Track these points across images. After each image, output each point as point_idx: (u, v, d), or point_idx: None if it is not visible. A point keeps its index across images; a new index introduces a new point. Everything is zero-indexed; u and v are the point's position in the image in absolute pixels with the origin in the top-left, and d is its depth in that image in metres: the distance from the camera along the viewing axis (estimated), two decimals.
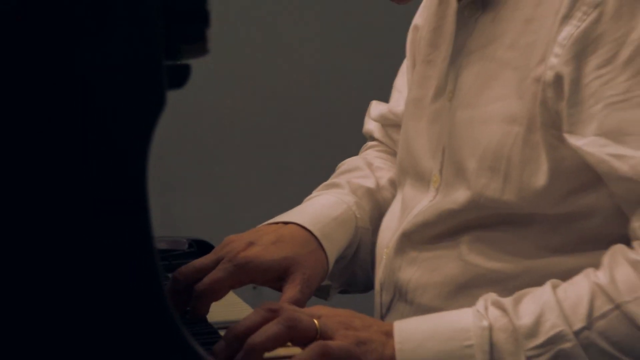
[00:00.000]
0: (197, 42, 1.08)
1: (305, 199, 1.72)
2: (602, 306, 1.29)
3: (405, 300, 1.51)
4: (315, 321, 1.29)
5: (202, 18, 1.07)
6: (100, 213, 1.06)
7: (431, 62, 1.63)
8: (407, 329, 1.33)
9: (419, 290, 1.49)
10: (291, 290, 1.50)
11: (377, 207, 1.68)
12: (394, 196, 1.67)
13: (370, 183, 1.71)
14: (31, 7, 1.09)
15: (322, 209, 1.65)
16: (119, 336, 1.05)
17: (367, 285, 1.66)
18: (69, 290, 1.05)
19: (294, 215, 1.62)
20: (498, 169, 1.41)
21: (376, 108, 1.82)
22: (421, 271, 1.49)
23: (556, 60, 1.35)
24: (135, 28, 1.06)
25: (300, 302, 1.45)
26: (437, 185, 1.51)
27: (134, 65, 1.06)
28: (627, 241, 1.34)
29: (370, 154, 1.81)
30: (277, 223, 1.61)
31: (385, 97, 1.81)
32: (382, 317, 1.55)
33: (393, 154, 1.78)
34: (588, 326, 1.28)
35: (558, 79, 1.34)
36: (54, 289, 1.05)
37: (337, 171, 1.78)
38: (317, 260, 1.57)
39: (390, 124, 1.78)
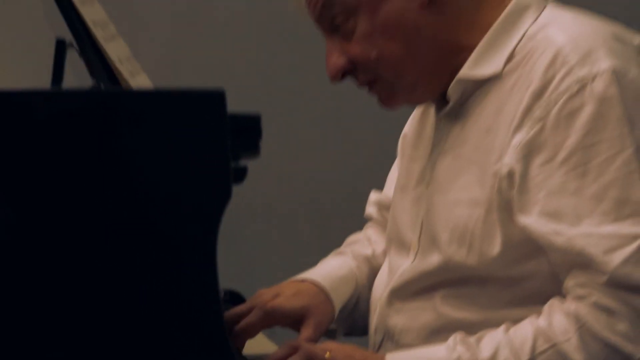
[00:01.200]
0: (253, 149, 1.36)
1: (319, 262, 1.89)
2: (542, 345, 1.49)
3: (392, 340, 1.69)
4: (327, 354, 1.52)
5: (256, 133, 1.35)
6: (183, 281, 1.33)
7: (414, 159, 1.80)
8: (398, 358, 1.58)
9: (403, 334, 1.67)
10: (307, 331, 1.70)
11: (372, 270, 1.87)
12: None
13: (368, 252, 1.90)
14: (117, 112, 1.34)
15: (331, 269, 1.84)
16: None
17: (365, 330, 1.81)
18: (158, 331, 1.32)
19: (310, 274, 1.80)
20: (464, 240, 1.59)
21: (374, 195, 1.98)
22: (405, 319, 1.68)
23: (509, 160, 1.53)
24: (211, 140, 1.31)
25: (313, 341, 1.65)
26: (416, 251, 1.68)
27: (210, 167, 1.32)
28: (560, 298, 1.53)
29: (370, 231, 1.99)
30: (296, 280, 1.80)
31: (381, 188, 2.00)
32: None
33: (383, 224, 1.97)
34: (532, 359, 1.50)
35: (511, 173, 1.52)
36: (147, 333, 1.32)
37: (345, 243, 1.98)
38: (326, 309, 1.77)
39: (385, 206, 1.96)
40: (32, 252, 1.32)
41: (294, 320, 1.74)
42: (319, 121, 3.33)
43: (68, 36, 1.61)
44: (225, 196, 1.30)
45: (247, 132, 1.37)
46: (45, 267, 1.32)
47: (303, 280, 1.80)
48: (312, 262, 1.76)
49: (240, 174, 1.35)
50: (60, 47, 1.52)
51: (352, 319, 1.83)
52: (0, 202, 1.30)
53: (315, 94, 3.17)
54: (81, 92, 1.46)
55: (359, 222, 2.06)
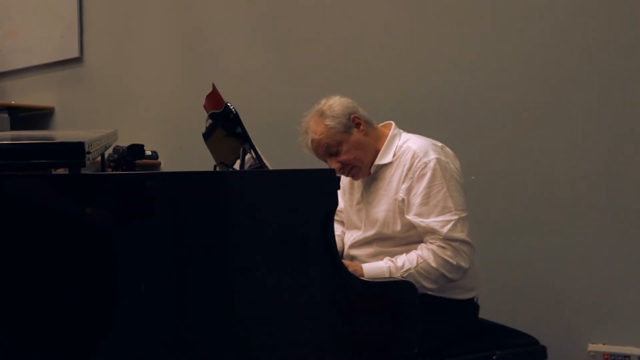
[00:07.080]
0: (337, 187, 2.34)
1: None
2: (420, 260, 2.78)
3: (357, 260, 2.97)
4: (347, 263, 2.76)
5: (338, 181, 2.41)
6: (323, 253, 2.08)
7: (351, 193, 3.12)
8: (366, 266, 2.79)
9: (361, 257, 2.97)
10: None
11: (342, 238, 3.14)
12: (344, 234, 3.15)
13: (338, 232, 3.13)
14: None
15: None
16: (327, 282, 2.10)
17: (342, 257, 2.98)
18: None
19: None
20: (384, 225, 2.90)
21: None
22: (360, 252, 2.99)
23: (401, 194, 2.83)
24: (327, 193, 2.15)
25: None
26: (363, 230, 2.98)
27: (327, 200, 2.13)
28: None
29: (335, 224, 2.89)
30: None
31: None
32: None
33: (341, 222, 3.27)
34: (416, 266, 2.76)
35: (403, 199, 2.82)
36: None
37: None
38: None
39: (341, 211, 3.21)
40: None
41: None
42: None
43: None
44: (335, 207, 2.15)
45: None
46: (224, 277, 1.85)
47: None
48: None
49: None
50: (244, 153, 2.48)
51: (341, 254, 3.04)
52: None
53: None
54: (259, 172, 2.30)
55: None
